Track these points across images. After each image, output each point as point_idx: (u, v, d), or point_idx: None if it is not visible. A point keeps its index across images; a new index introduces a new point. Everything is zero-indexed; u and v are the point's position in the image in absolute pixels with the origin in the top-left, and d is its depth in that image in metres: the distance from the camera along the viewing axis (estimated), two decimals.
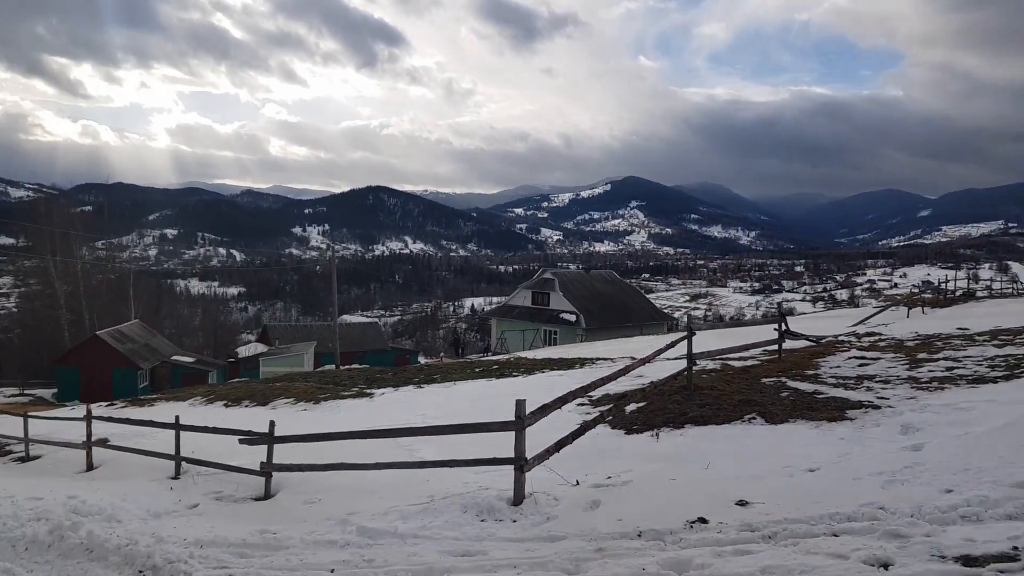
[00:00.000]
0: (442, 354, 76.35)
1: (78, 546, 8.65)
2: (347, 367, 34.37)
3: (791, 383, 12.48)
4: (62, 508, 9.88)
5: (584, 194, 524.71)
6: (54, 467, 13.76)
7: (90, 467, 13.12)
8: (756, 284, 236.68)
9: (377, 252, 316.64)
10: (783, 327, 15.42)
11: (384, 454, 10.23)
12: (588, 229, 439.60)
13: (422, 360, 57.67)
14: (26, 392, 43.52)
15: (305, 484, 10.08)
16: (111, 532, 8.83)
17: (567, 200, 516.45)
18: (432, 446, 11.25)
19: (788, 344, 15.73)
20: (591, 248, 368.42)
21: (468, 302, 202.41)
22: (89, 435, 13.43)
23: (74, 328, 49.54)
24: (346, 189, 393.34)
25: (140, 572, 7.81)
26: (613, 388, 12.75)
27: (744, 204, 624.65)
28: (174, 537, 8.52)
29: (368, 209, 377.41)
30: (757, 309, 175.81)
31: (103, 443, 13.34)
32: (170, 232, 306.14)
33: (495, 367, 22.24)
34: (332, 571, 7.04)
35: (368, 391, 19.70)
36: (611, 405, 11.25)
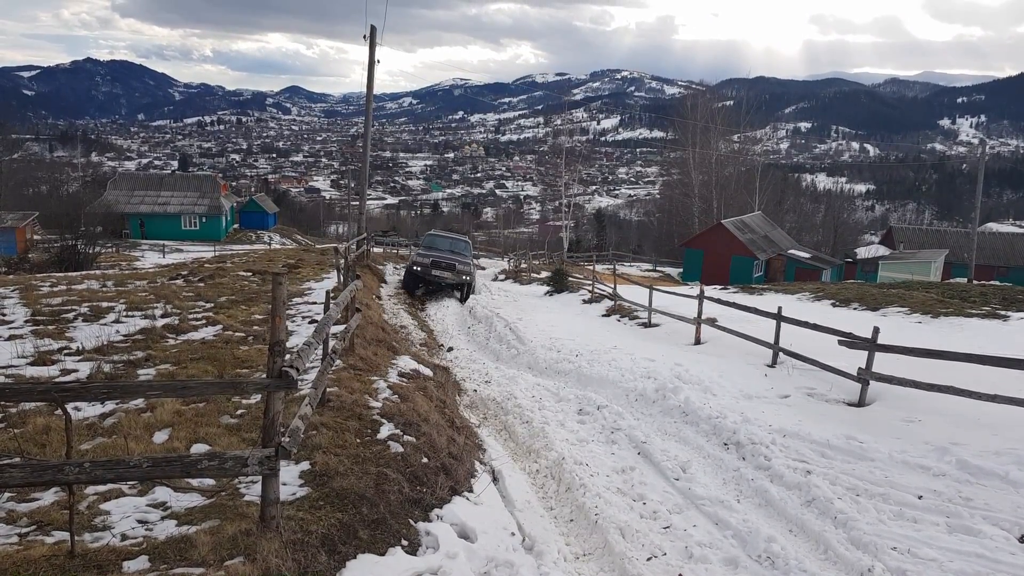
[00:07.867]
0: None
1: (676, 407, 9.64)
2: (981, 282, 29.95)
3: None
4: (668, 372, 11.13)
5: None
6: (668, 336, 15.53)
7: (697, 341, 14.40)
8: None
9: None
10: None
11: (1002, 387, 8.57)
12: None
13: None
14: (657, 268, 50.39)
15: (904, 400, 9.31)
16: (705, 402, 9.58)
17: None
18: None
19: None
20: None
21: None
22: (700, 313, 14.68)
23: (703, 215, 54.62)
24: (1013, 73, 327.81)
25: (725, 444, 8.32)
26: None
27: None
28: (760, 421, 8.79)
29: None
30: None
31: (711, 322, 14.42)
32: (804, 125, 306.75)
33: None
34: (920, 497, 6.49)
35: (1003, 312, 16.75)
36: None
